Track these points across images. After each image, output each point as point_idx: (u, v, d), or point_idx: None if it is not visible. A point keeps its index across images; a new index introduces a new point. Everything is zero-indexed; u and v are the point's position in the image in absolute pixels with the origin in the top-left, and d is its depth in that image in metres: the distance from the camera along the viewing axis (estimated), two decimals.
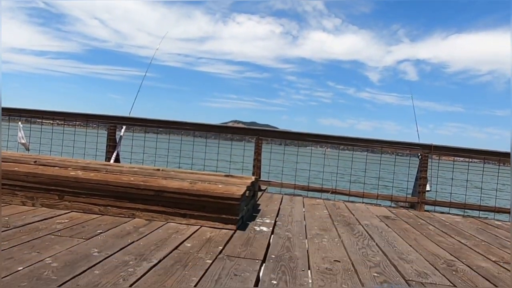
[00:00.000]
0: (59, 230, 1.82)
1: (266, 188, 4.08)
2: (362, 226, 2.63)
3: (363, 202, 3.90)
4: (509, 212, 3.81)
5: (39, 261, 1.39)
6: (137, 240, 1.77)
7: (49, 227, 1.86)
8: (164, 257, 1.56)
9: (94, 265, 1.40)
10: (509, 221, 3.67)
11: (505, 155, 3.96)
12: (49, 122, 4.47)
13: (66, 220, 2.02)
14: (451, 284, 1.56)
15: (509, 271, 1.85)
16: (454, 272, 1.74)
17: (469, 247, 2.30)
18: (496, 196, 3.83)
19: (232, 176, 2.87)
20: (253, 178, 2.83)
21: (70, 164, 2.66)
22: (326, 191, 3.97)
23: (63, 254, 1.48)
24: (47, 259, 1.42)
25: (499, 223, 3.46)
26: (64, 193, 2.27)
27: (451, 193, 3.90)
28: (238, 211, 2.16)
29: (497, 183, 3.83)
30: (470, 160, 4.10)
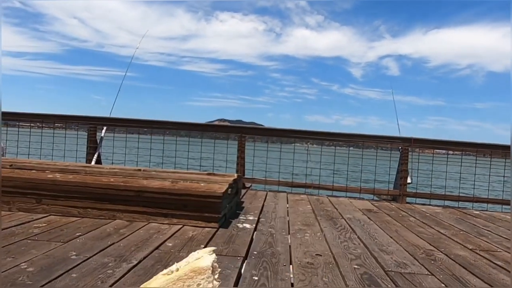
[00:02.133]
0: (36, 235, 1.77)
1: (250, 185, 4.08)
2: (345, 220, 2.67)
3: (346, 196, 3.95)
4: (487, 202, 3.92)
5: (14, 267, 1.35)
6: (117, 242, 1.74)
7: (25, 231, 1.81)
8: (144, 258, 1.54)
9: (72, 268, 1.37)
10: (487, 210, 3.77)
11: (483, 146, 4.07)
12: (27, 125, 4.35)
13: (44, 224, 1.97)
14: (429, 273, 1.60)
15: (485, 258, 1.91)
16: (432, 261, 1.78)
17: (448, 237, 2.35)
18: (474, 186, 3.93)
19: (214, 174, 2.86)
20: (235, 175, 2.83)
21: (48, 167, 2.60)
22: (310, 186, 4.00)
23: (39, 259, 1.45)
24: (23, 264, 1.38)
25: (478, 212, 3.56)
26: (41, 197, 2.22)
27: (431, 185, 3.99)
28: (220, 209, 2.15)
29: (475, 174, 3.93)
30: (452, 152, 4.20)
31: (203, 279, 0.90)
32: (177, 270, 0.91)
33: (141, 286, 0.96)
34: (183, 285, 0.88)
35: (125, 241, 1.77)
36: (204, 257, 0.95)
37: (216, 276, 0.95)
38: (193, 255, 0.97)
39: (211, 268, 0.92)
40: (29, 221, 2.01)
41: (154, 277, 0.95)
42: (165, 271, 0.94)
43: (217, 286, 0.93)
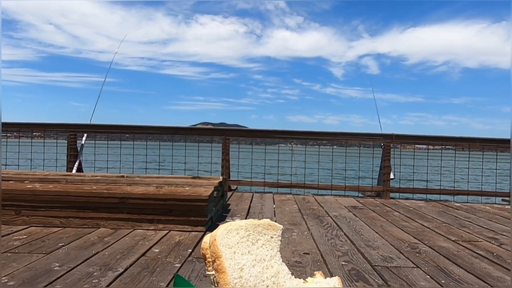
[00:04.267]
0: (16, 247, 1.72)
1: (236, 187, 4.07)
2: (331, 218, 2.69)
3: (332, 194, 3.99)
4: (466, 194, 4.03)
5: None
6: (102, 250, 1.71)
7: (5, 244, 1.75)
8: (130, 265, 1.51)
9: (55, 280, 1.33)
10: (467, 202, 3.88)
11: (461, 140, 4.19)
12: (3, 135, 4.22)
13: (24, 236, 1.91)
14: (414, 265, 1.63)
15: (468, 248, 1.96)
16: (417, 254, 1.81)
17: (431, 229, 2.41)
18: (454, 179, 4.04)
19: (199, 177, 2.84)
20: (221, 178, 2.82)
21: (26, 177, 2.53)
22: (296, 186, 4.03)
23: (20, 272, 1.40)
24: (3, 278, 1.34)
25: (459, 204, 3.65)
26: (21, 208, 2.15)
27: (413, 179, 4.07)
28: (206, 212, 2.14)
29: (455, 167, 4.04)
30: (432, 147, 4.30)
31: (275, 234, 1.08)
32: (258, 220, 1.09)
33: (224, 224, 1.08)
34: (261, 231, 1.06)
35: (110, 249, 1.73)
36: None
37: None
38: (264, 220, 1.13)
39: (281, 231, 1.11)
40: (8, 234, 1.94)
41: (240, 220, 1.10)
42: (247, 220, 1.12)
43: (279, 245, 1.09)
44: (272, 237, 1.07)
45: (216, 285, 0.98)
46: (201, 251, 1.02)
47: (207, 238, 1.03)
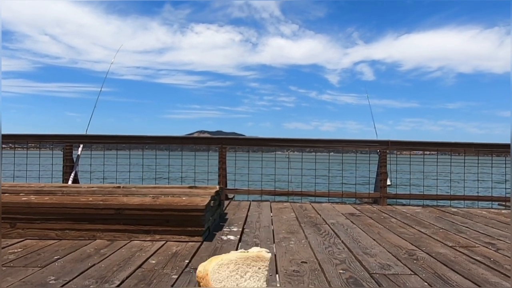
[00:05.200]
0: (11, 261, 1.70)
1: (233, 196, 4.06)
2: (328, 225, 2.69)
3: (329, 202, 3.99)
4: (463, 199, 4.04)
5: None
6: (98, 263, 1.69)
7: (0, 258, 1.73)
8: (127, 277, 1.50)
9: None
10: (464, 208, 3.89)
11: (457, 145, 4.21)
12: None
13: (20, 249, 1.90)
14: (412, 273, 1.63)
15: (465, 254, 1.96)
16: (415, 261, 1.81)
17: (428, 236, 2.41)
18: (450, 185, 4.05)
19: (196, 187, 2.84)
20: (217, 187, 2.81)
21: (22, 189, 2.51)
22: (293, 194, 4.02)
23: (16, 286, 1.39)
24: None
25: (455, 209, 3.66)
26: (16, 221, 2.13)
27: (410, 185, 4.08)
28: (203, 222, 2.13)
29: (450, 172, 4.06)
30: (428, 152, 4.32)
31: (263, 265, 1.18)
32: (247, 252, 1.19)
33: (219, 256, 1.21)
34: (250, 263, 1.16)
35: (107, 261, 1.72)
36: (264, 252, 1.23)
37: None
38: (254, 248, 1.23)
39: (269, 261, 1.21)
40: (3, 247, 1.92)
41: (229, 253, 1.21)
42: (238, 251, 1.22)
43: (266, 275, 1.21)
44: (259, 268, 1.18)
45: None
46: (196, 278, 1.17)
47: (201, 267, 1.18)
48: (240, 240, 2.19)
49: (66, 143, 4.01)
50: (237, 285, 1.13)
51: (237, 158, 4.19)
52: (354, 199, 4.12)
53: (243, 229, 2.49)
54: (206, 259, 1.75)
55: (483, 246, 2.15)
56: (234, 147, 4.38)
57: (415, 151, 4.35)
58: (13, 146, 4.12)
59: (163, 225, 2.12)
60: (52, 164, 3.99)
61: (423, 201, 4.07)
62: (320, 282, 1.48)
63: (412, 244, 2.16)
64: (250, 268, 1.16)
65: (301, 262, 1.76)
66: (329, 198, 4.05)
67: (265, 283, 1.19)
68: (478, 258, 1.89)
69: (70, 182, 3.85)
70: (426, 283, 1.49)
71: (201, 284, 1.14)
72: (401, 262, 1.78)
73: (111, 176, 4.07)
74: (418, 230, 2.59)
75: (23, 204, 2.16)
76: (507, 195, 4.11)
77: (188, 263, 1.71)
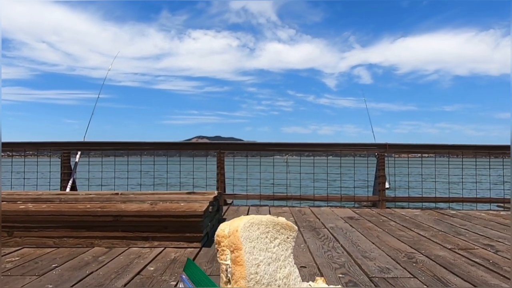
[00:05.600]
0: (8, 270, 1.69)
1: (232, 201, 4.06)
2: (328, 229, 2.68)
3: (328, 206, 3.99)
4: (461, 201, 4.05)
5: None
6: (96, 270, 1.68)
7: None
8: (125, 285, 1.49)
9: None
10: (462, 210, 3.89)
11: (454, 147, 4.23)
12: None
13: (17, 258, 1.88)
14: (411, 276, 1.62)
15: (464, 257, 1.96)
16: (414, 264, 1.81)
17: (427, 238, 2.41)
18: (449, 187, 4.06)
19: (194, 193, 2.83)
20: (216, 192, 2.81)
21: (19, 197, 2.50)
22: (291, 198, 4.02)
23: None
24: None
25: (454, 212, 3.66)
26: (13, 229, 2.12)
27: (408, 188, 4.09)
28: (202, 227, 2.13)
29: (449, 175, 4.06)
30: (427, 155, 4.33)
31: (291, 235, 1.11)
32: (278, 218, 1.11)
33: (246, 216, 1.10)
34: (279, 229, 1.08)
35: (105, 268, 1.71)
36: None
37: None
38: (281, 218, 1.16)
39: (296, 233, 1.15)
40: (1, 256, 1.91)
41: (261, 215, 1.12)
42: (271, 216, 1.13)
43: (293, 247, 1.13)
44: (288, 238, 1.11)
45: (229, 275, 0.98)
46: (215, 237, 1.02)
47: (225, 225, 1.04)
48: None
49: (64, 150, 4.00)
50: (266, 249, 1.03)
51: (235, 163, 4.19)
52: (353, 202, 4.12)
53: None
54: (205, 265, 1.75)
55: (482, 248, 2.15)
56: (233, 152, 4.38)
57: (413, 154, 4.36)
58: (10, 154, 4.11)
59: (161, 231, 2.12)
60: (49, 172, 3.97)
61: (421, 204, 4.07)
62: None
63: (411, 247, 2.15)
64: (279, 235, 1.08)
65: (300, 266, 1.76)
66: (328, 202, 4.05)
67: (292, 254, 1.11)
68: (477, 260, 1.89)
69: (68, 189, 3.84)
70: (425, 286, 1.49)
71: (222, 244, 1.01)
72: (400, 265, 1.78)
73: (109, 183, 4.06)
74: (417, 232, 2.59)
75: (21, 212, 2.15)
76: (506, 197, 4.12)
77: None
